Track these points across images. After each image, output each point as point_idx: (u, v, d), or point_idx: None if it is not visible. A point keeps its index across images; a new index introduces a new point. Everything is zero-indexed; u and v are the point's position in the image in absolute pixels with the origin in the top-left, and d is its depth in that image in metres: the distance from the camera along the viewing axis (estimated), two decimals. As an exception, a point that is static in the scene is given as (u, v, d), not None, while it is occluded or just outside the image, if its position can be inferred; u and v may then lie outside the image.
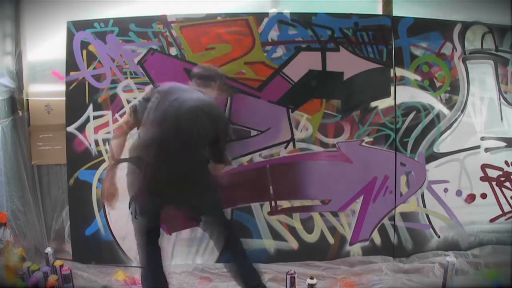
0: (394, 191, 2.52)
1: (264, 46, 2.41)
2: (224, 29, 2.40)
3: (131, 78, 2.42)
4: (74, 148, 2.46)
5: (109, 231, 2.49)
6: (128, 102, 2.43)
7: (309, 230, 2.54)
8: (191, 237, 2.51)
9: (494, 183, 2.64)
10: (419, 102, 2.53)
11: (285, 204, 2.49)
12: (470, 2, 2.61)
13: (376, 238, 2.55)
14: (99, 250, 2.50)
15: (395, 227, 2.55)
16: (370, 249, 2.55)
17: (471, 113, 2.58)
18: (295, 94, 2.43)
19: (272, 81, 2.42)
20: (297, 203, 2.50)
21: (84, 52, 2.41)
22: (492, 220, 2.66)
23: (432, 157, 2.56)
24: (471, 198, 2.62)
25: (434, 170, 2.56)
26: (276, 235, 2.52)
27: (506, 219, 2.67)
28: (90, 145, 2.46)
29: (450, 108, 2.56)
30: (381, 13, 2.56)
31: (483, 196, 2.63)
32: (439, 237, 2.61)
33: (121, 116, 2.43)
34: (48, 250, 2.30)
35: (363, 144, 2.48)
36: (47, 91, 2.56)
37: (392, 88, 2.48)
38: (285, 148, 2.45)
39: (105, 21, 2.40)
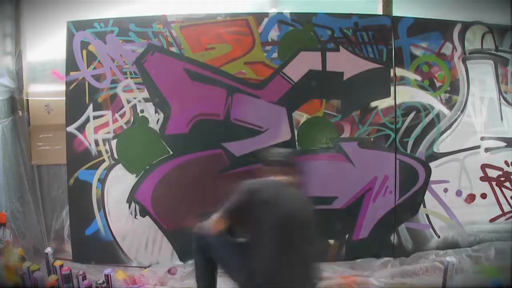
0: (394, 191, 2.52)
1: (264, 46, 2.42)
2: (224, 29, 2.40)
3: (131, 78, 2.42)
4: (74, 148, 2.47)
5: (109, 231, 2.49)
6: (128, 102, 2.43)
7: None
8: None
9: (494, 183, 2.64)
10: (419, 102, 2.53)
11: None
12: (470, 2, 2.61)
13: (376, 238, 2.55)
14: (99, 250, 2.50)
15: (395, 227, 2.55)
16: (370, 248, 2.55)
17: (471, 113, 2.58)
18: (295, 94, 2.43)
19: (272, 81, 2.42)
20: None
21: (84, 52, 2.42)
22: (492, 220, 2.66)
23: (432, 157, 2.56)
24: (471, 198, 2.62)
25: (434, 170, 2.56)
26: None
27: (506, 219, 2.67)
28: (90, 145, 2.46)
29: (450, 108, 2.56)
30: (381, 13, 2.56)
31: (483, 196, 2.63)
32: (439, 237, 2.61)
33: (121, 116, 2.44)
34: (48, 250, 2.30)
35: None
36: (47, 91, 2.56)
37: (392, 88, 2.48)
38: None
39: (105, 21, 2.40)
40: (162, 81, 2.42)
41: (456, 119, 2.57)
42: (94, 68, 2.42)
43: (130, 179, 2.47)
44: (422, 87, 2.52)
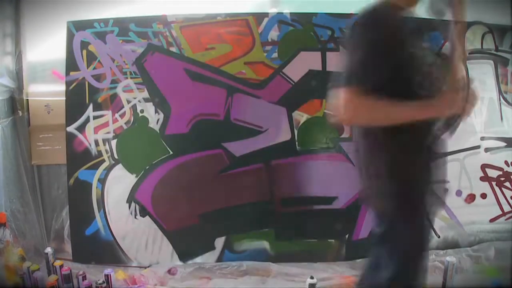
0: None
1: (264, 46, 2.42)
2: (224, 29, 2.40)
3: (131, 78, 2.42)
4: (74, 148, 2.46)
5: (109, 231, 2.49)
6: (128, 102, 2.43)
7: (310, 230, 2.54)
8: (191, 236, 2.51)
9: (494, 183, 2.64)
10: (419, 102, 2.52)
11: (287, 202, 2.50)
12: (470, 2, 2.61)
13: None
14: (99, 250, 2.50)
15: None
16: (370, 248, 2.54)
17: (471, 113, 2.58)
18: (295, 94, 2.43)
19: (272, 81, 2.42)
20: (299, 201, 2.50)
21: (84, 52, 2.41)
22: (492, 220, 2.66)
23: (432, 157, 2.56)
24: (471, 198, 2.62)
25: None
26: (277, 235, 2.52)
27: (506, 219, 2.67)
28: (90, 145, 2.46)
29: (450, 108, 2.56)
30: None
31: (483, 196, 2.63)
32: (439, 237, 2.61)
33: (121, 116, 2.44)
34: (48, 250, 2.30)
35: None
36: (47, 91, 2.55)
37: (392, 88, 2.48)
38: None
39: (105, 21, 2.40)
40: (162, 81, 2.42)
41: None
42: (94, 68, 2.42)
43: (130, 179, 2.47)
44: (422, 87, 2.52)
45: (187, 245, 2.53)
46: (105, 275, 2.13)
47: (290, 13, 2.42)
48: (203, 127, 2.43)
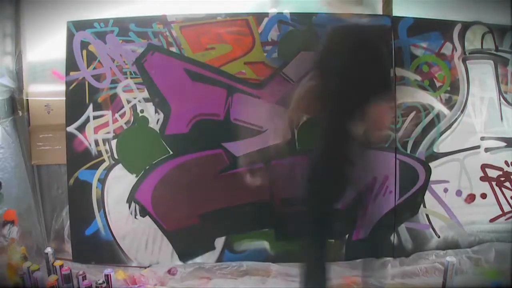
0: (394, 191, 2.52)
1: (264, 46, 2.42)
2: (224, 29, 2.40)
3: (131, 78, 2.42)
4: (74, 148, 2.47)
5: (109, 231, 2.50)
6: (128, 102, 2.43)
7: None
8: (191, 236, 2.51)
9: (494, 183, 2.64)
10: (419, 102, 2.52)
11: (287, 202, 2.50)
12: (470, 2, 2.61)
13: (376, 237, 2.55)
14: (99, 250, 2.50)
15: (395, 227, 2.55)
16: (369, 248, 2.54)
17: (471, 113, 2.58)
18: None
19: (272, 81, 2.42)
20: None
21: (84, 52, 2.42)
22: (492, 220, 2.66)
23: (432, 157, 2.56)
24: (471, 198, 2.62)
25: (434, 170, 2.56)
26: (277, 235, 2.52)
27: (506, 219, 2.67)
28: (90, 145, 2.46)
29: (450, 108, 2.56)
30: (381, 13, 2.56)
31: (483, 196, 2.63)
32: (439, 237, 2.61)
33: (121, 116, 2.44)
34: (48, 250, 2.30)
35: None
36: (47, 91, 2.55)
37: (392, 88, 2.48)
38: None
39: (105, 21, 2.40)
40: (162, 81, 2.42)
41: (456, 119, 2.57)
42: (94, 68, 2.42)
43: (130, 179, 2.47)
44: (422, 87, 2.52)
45: (187, 245, 2.53)
46: (105, 275, 2.13)
47: (290, 13, 2.42)
48: (203, 127, 2.43)
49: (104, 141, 2.46)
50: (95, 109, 2.44)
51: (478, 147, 2.61)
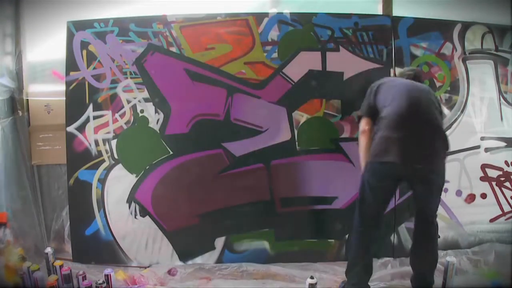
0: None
1: (264, 46, 2.42)
2: (224, 29, 2.40)
3: (131, 78, 2.42)
4: (74, 148, 2.47)
5: (109, 231, 2.50)
6: (128, 102, 2.43)
7: (310, 230, 2.55)
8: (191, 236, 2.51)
9: (494, 183, 2.64)
10: (419, 102, 2.52)
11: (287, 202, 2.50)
12: (470, 2, 2.61)
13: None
14: (99, 250, 2.50)
15: (395, 227, 2.55)
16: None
17: (471, 113, 2.58)
18: (295, 94, 2.43)
19: (272, 81, 2.42)
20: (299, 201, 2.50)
21: (84, 52, 2.42)
22: (492, 220, 2.66)
23: (432, 157, 2.55)
24: (471, 198, 2.62)
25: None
26: (277, 235, 2.52)
27: (506, 219, 2.67)
28: (90, 145, 2.46)
29: (450, 108, 2.56)
30: (381, 13, 2.56)
31: (483, 196, 2.63)
32: (439, 237, 2.58)
33: (121, 116, 2.44)
34: (48, 250, 2.30)
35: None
36: (47, 91, 2.56)
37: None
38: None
39: (105, 21, 2.40)
40: (162, 81, 2.42)
41: (456, 119, 2.57)
42: (94, 68, 2.43)
43: (130, 179, 2.47)
44: (422, 87, 2.52)
45: (187, 245, 2.53)
46: (105, 275, 2.13)
47: (290, 13, 2.42)
48: (203, 127, 2.43)
49: (104, 141, 2.46)
50: (95, 109, 2.44)
51: (478, 147, 2.61)
